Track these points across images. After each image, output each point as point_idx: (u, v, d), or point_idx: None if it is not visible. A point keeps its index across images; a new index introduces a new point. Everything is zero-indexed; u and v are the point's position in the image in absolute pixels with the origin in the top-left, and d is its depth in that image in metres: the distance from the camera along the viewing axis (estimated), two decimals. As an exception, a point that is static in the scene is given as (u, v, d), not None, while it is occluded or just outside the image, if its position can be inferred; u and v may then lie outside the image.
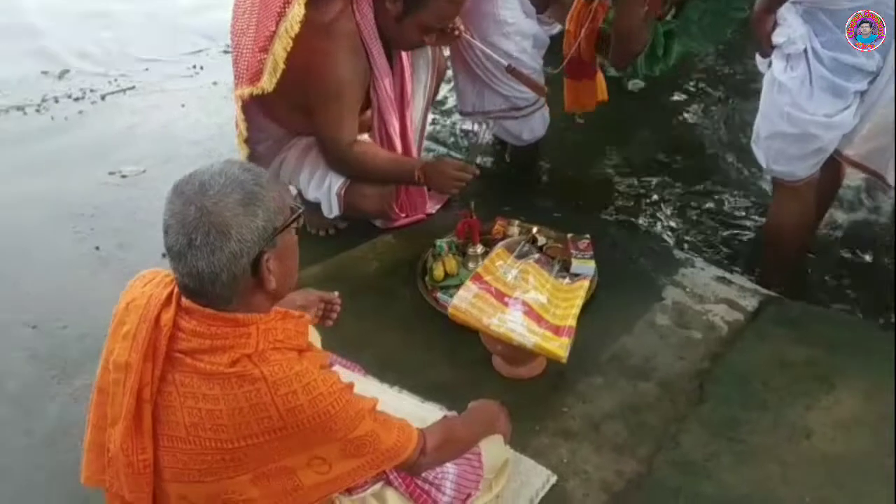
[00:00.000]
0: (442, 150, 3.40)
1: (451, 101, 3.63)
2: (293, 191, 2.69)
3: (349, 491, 1.53)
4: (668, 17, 3.01)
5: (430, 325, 2.28)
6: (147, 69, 4.18)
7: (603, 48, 3.06)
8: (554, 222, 2.68)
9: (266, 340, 1.21)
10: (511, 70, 2.72)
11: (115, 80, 4.08)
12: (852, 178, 2.86)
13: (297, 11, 2.20)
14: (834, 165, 2.46)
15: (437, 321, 2.26)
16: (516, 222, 2.60)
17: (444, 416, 1.70)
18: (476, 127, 2.73)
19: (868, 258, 2.77)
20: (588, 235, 2.49)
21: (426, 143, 3.08)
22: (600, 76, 3.08)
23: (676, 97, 3.88)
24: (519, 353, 2.03)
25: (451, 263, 2.41)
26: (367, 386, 1.76)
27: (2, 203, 3.04)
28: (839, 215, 2.94)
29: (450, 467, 1.59)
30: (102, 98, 3.91)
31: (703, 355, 2.20)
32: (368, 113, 2.58)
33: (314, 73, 2.33)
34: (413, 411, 1.69)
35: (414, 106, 2.70)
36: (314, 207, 2.61)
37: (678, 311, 2.37)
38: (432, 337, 2.27)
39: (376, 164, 2.50)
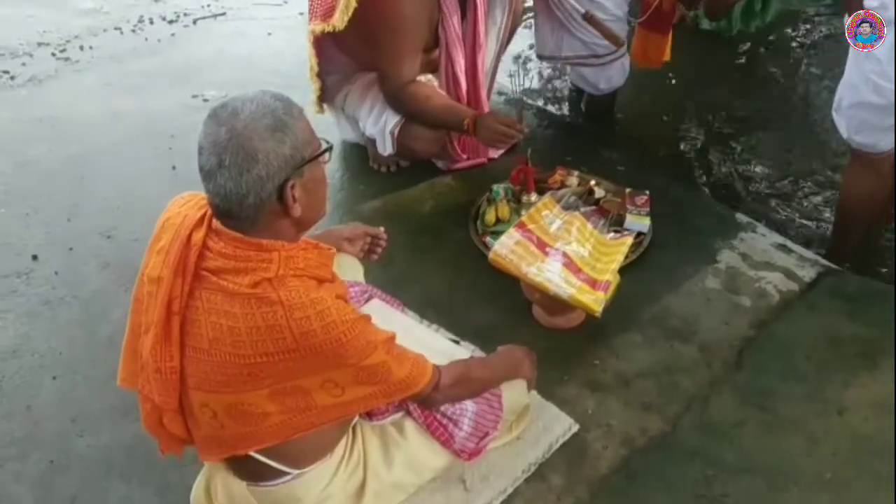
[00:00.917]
0: (512, 97, 3.37)
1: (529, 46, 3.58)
2: (360, 125, 2.75)
3: (370, 416, 1.62)
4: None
5: (477, 269, 2.31)
6: (239, -5, 4.29)
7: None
8: (616, 176, 2.66)
9: (287, 267, 1.26)
10: (588, 17, 2.67)
11: (208, 5, 4.21)
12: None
13: None
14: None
15: (484, 265, 2.28)
16: (576, 173, 2.59)
17: (470, 356, 1.74)
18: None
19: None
20: (647, 192, 2.46)
21: (498, 86, 3.07)
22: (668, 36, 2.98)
23: (765, 56, 3.73)
24: (556, 304, 2.04)
25: (504, 209, 2.43)
26: (402, 321, 1.83)
27: (92, 118, 3.23)
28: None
29: (469, 405, 1.64)
30: (194, 22, 4.05)
31: (749, 323, 2.16)
32: (436, 53, 2.58)
33: (378, 6, 2.34)
34: (445, 350, 1.75)
35: (487, 48, 2.69)
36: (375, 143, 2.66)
37: (730, 275, 2.33)
38: (477, 280, 2.30)
39: (428, 107, 2.50)
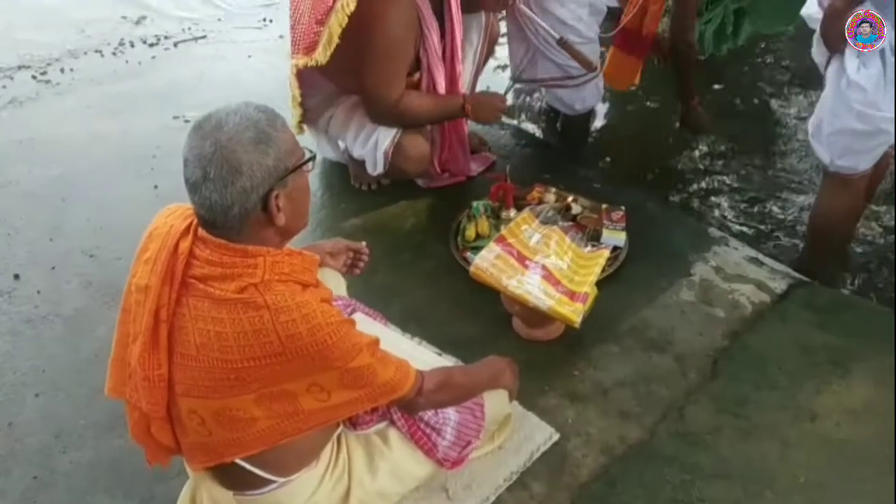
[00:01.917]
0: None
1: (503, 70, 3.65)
2: (341, 146, 2.79)
3: (354, 426, 1.64)
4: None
5: (458, 283, 2.35)
6: (219, 19, 4.34)
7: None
8: (593, 193, 2.71)
9: (272, 272, 1.29)
10: (563, 43, 2.73)
11: (189, 28, 4.25)
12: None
13: None
14: (882, 158, 2.41)
15: (464, 279, 2.32)
16: (553, 189, 2.64)
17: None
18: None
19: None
20: (623, 207, 2.52)
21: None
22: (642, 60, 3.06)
23: (737, 77, 3.82)
24: (536, 316, 2.08)
25: (484, 225, 2.48)
26: (385, 334, 1.85)
27: (73, 140, 3.25)
28: (881, 206, 2.88)
29: (452, 414, 1.67)
30: (175, 45, 4.09)
31: (723, 333, 2.22)
32: (417, 75, 2.63)
33: (367, 33, 2.38)
34: (427, 361, 1.77)
35: (464, 68, 2.75)
36: (360, 163, 2.70)
37: (704, 288, 2.38)
38: (458, 294, 2.34)
39: (424, 111, 2.58)
